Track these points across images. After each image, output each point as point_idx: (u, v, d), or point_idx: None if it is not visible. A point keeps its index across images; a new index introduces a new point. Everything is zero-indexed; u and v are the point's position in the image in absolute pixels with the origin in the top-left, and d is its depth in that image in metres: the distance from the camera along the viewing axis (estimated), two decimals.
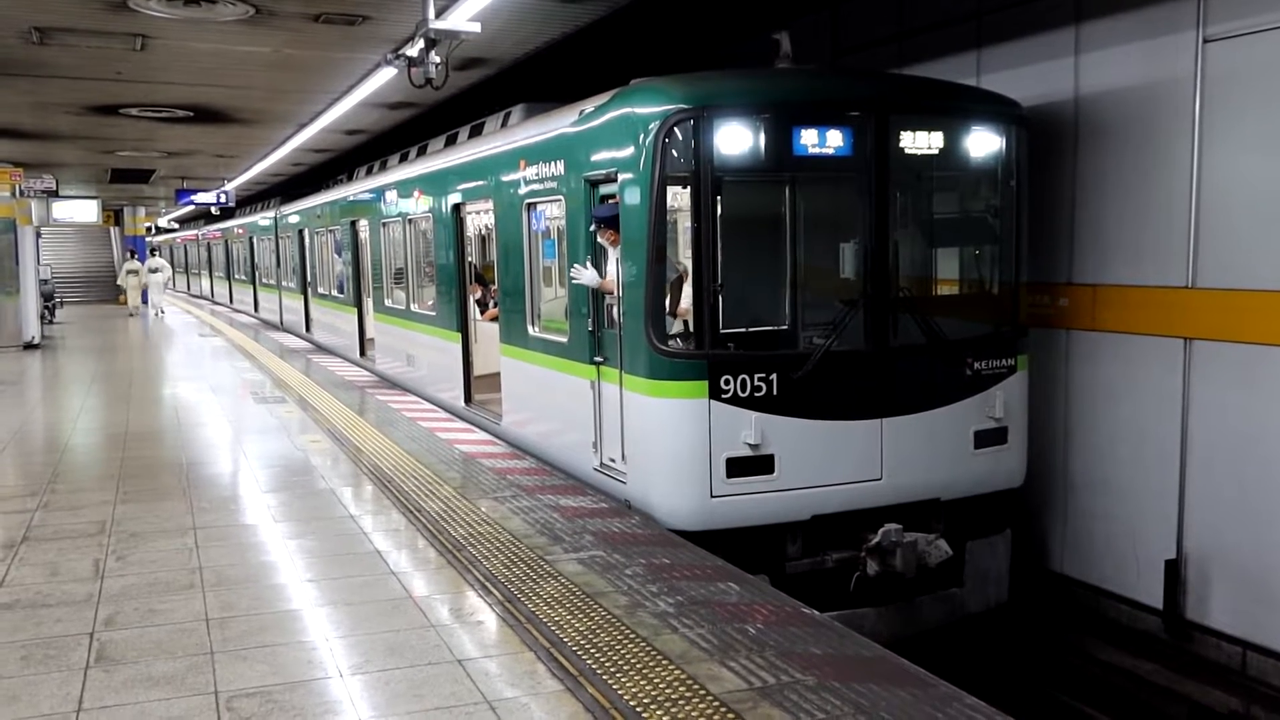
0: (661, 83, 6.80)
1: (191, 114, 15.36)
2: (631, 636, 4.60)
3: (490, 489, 7.40)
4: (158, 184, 29.02)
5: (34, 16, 9.34)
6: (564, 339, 7.93)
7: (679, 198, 6.94)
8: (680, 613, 4.88)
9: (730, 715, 3.82)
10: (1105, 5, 7.46)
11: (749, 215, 7.61)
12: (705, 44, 11.70)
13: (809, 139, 6.66)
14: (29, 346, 19.03)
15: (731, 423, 6.46)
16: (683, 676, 4.17)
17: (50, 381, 14.98)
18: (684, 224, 7.08)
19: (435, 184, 11.19)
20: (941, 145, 7.08)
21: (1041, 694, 7.63)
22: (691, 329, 6.69)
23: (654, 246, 6.53)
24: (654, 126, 6.46)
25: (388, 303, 13.71)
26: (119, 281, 30.62)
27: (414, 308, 12.51)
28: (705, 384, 6.45)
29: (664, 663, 4.31)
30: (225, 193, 26.96)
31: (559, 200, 7.90)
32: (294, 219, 20.70)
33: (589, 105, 7.43)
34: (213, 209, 29.06)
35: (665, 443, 6.62)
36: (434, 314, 11.51)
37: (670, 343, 6.68)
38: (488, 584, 5.34)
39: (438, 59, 7.87)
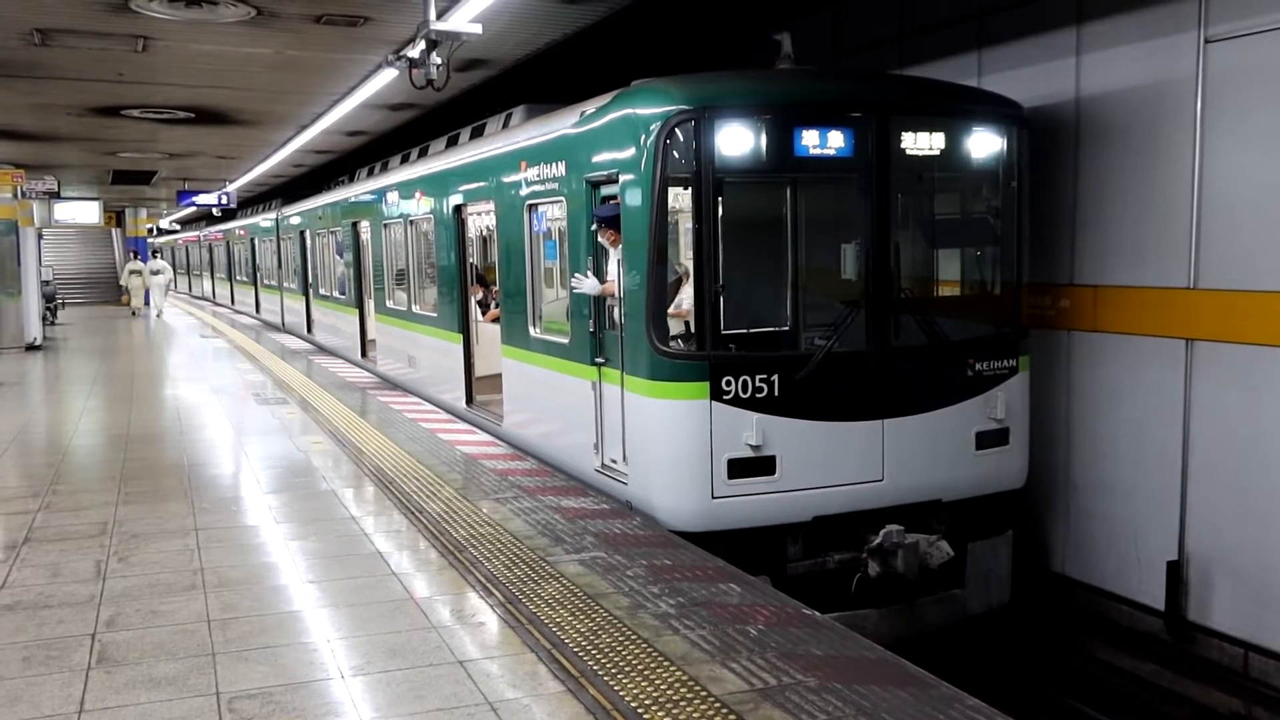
0: (662, 84, 6.80)
1: (193, 115, 15.37)
2: (633, 638, 4.60)
3: (491, 490, 7.40)
4: (159, 185, 29.03)
5: (35, 18, 9.35)
6: (565, 340, 7.93)
7: (680, 199, 6.94)
8: (682, 614, 4.88)
9: (732, 716, 3.81)
10: (1106, 6, 7.46)
11: (750, 216, 7.62)
12: (706, 45, 11.71)
13: (810, 140, 6.66)
14: (31, 348, 19.05)
15: (733, 424, 6.46)
16: (684, 678, 4.17)
17: (52, 383, 14.99)
18: (685, 225, 7.08)
19: (437, 185, 11.20)
20: (943, 146, 7.08)
21: (1043, 695, 7.63)
22: (693, 330, 6.69)
23: (655, 247, 6.53)
24: (655, 127, 6.47)
25: (389, 304, 13.71)
26: (122, 282, 30.66)
27: (415, 309, 12.52)
28: (706, 385, 6.45)
29: (665, 664, 4.31)
30: (227, 194, 26.97)
31: (560, 201, 7.90)
32: (295, 220, 20.72)
33: (590, 106, 7.43)
34: (214, 210, 29.07)
35: (666, 444, 6.62)
36: (435, 315, 11.51)
37: (671, 344, 6.68)
38: (489, 585, 5.34)
39: (439, 60, 7.88)
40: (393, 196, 13.15)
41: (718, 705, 3.91)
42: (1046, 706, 7.54)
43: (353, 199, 15.71)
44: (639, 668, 4.27)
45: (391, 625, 4.83)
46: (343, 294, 17.04)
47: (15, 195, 19.09)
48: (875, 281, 6.81)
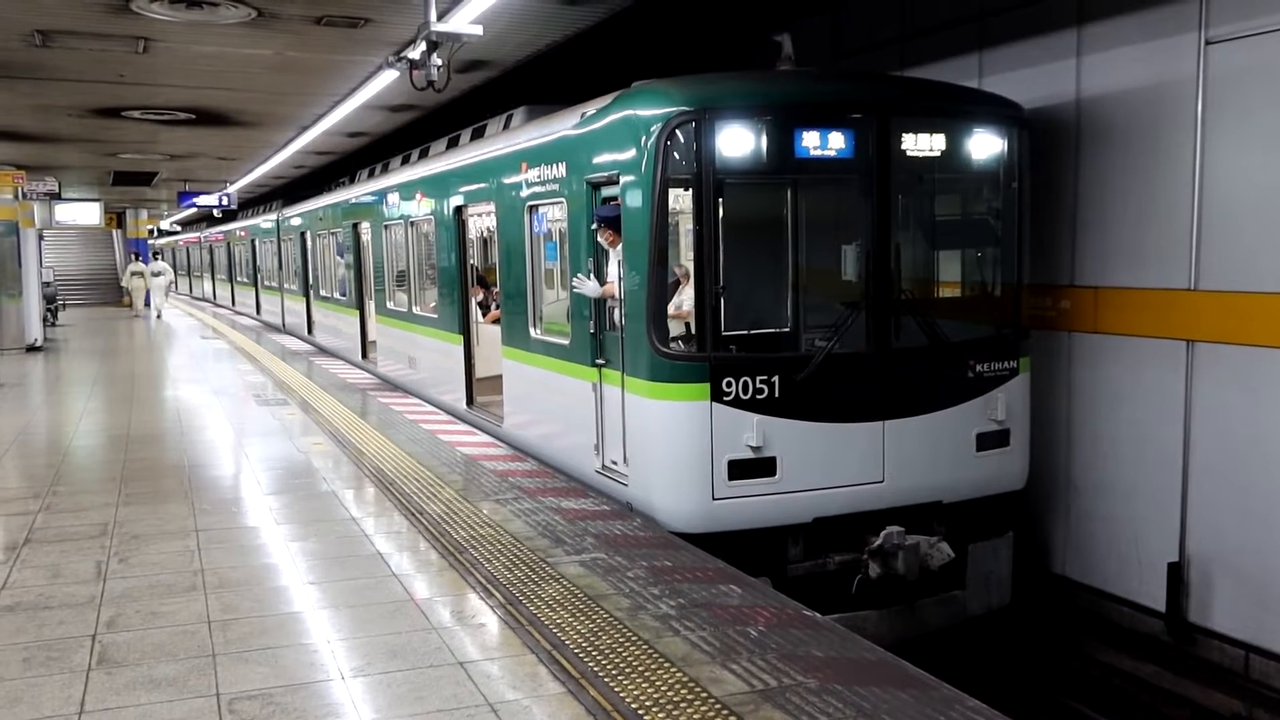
0: (663, 85, 6.80)
1: (193, 116, 15.36)
2: (633, 639, 4.60)
3: (492, 491, 7.40)
4: (160, 187, 29.03)
5: (36, 19, 9.35)
6: (566, 341, 7.93)
7: (680, 200, 6.94)
8: (682, 615, 4.88)
9: (732, 718, 3.81)
10: (1107, 7, 7.45)
11: (751, 217, 7.62)
12: (707, 47, 11.71)
13: (810, 141, 6.66)
14: (32, 349, 19.05)
15: (733, 425, 6.46)
16: (684, 679, 4.16)
17: (53, 384, 14.99)
18: (686, 226, 7.08)
19: (437, 186, 11.20)
20: (943, 147, 7.08)
21: (1043, 697, 7.62)
22: (693, 331, 6.69)
23: (655, 249, 6.53)
24: (656, 129, 6.47)
25: (390, 305, 13.72)
26: (123, 283, 30.68)
27: (416, 310, 12.52)
28: (707, 386, 6.45)
29: (666, 665, 4.30)
30: (227, 195, 26.97)
31: (561, 202, 7.90)
32: (296, 221, 20.73)
33: (591, 108, 7.43)
34: (215, 212, 29.07)
35: (667, 445, 6.62)
36: (436, 316, 11.51)
37: (672, 345, 6.68)
38: (489, 586, 5.34)
39: (439, 61, 7.87)
40: (393, 198, 13.16)
41: (718, 706, 3.91)
42: (1047, 708, 7.53)
43: (353, 200, 15.71)
44: (639, 669, 4.27)
45: (392, 626, 4.83)
46: (343, 295, 17.05)
47: (16, 196, 19.10)
48: (876, 283, 6.80)
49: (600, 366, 7.32)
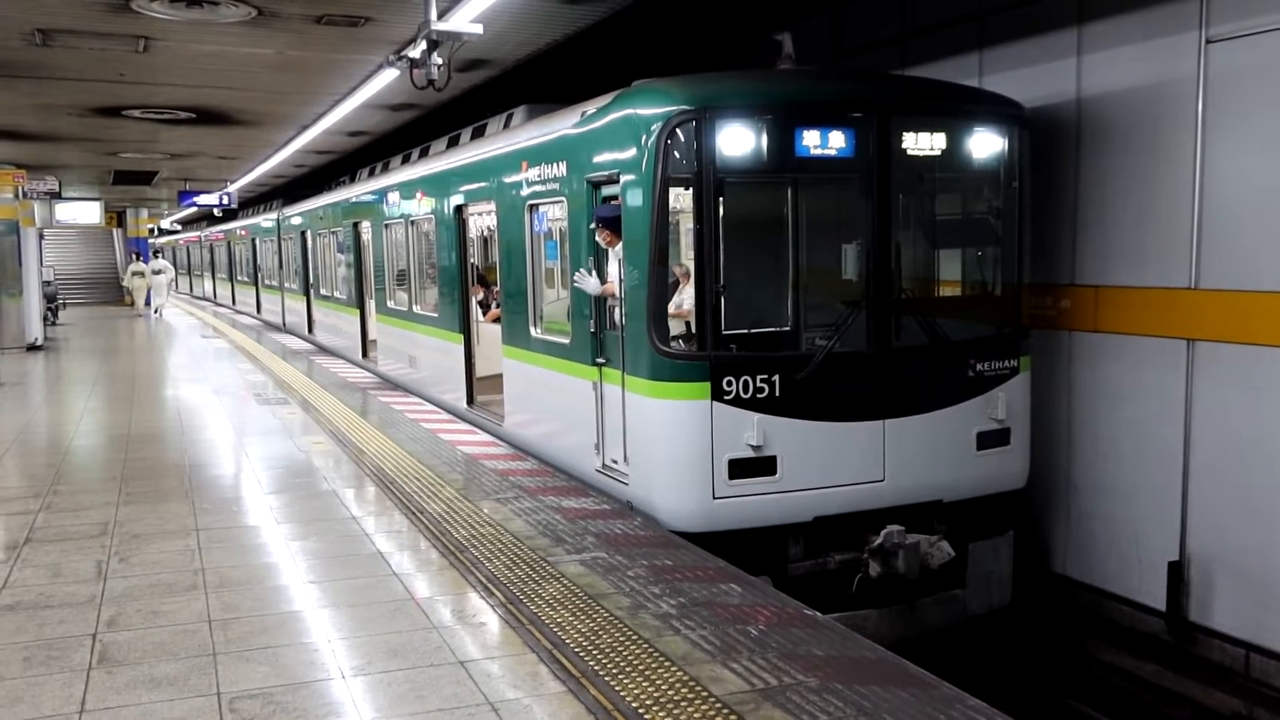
0: (663, 84, 6.80)
1: (194, 116, 15.36)
2: (634, 638, 4.60)
3: (492, 490, 7.40)
4: (160, 186, 29.02)
5: (37, 18, 9.35)
6: (566, 340, 7.93)
7: (681, 199, 6.94)
8: (682, 614, 4.88)
9: (733, 717, 3.81)
10: (1107, 6, 7.45)
11: (751, 216, 7.61)
12: (707, 46, 11.70)
13: (811, 140, 6.66)
14: (32, 348, 19.06)
15: (734, 424, 6.46)
16: (685, 678, 4.16)
17: (53, 383, 14.99)
18: (686, 225, 7.08)
19: (438, 185, 11.20)
20: (944, 146, 7.08)
21: (1044, 696, 7.62)
22: (694, 330, 6.69)
23: (656, 248, 6.53)
24: (656, 128, 6.47)
25: (390, 304, 13.72)
26: (124, 283, 30.68)
27: (416, 309, 12.52)
28: (707, 385, 6.45)
29: (666, 664, 4.30)
30: (228, 194, 26.96)
31: (561, 201, 7.90)
32: (296, 220, 20.73)
33: (591, 107, 7.43)
34: (215, 211, 29.07)
35: (667, 444, 6.62)
36: (436, 315, 11.51)
37: (672, 344, 6.68)
38: (490, 585, 5.34)
39: (440, 60, 7.87)
40: (394, 197, 13.15)
41: (719, 705, 3.91)
42: (1048, 707, 7.53)
43: (354, 199, 15.71)
44: (640, 668, 4.27)
45: (392, 625, 4.83)
46: (344, 294, 17.05)
47: (16, 195, 19.09)
48: (876, 282, 6.80)
49: (601, 365, 7.32)
